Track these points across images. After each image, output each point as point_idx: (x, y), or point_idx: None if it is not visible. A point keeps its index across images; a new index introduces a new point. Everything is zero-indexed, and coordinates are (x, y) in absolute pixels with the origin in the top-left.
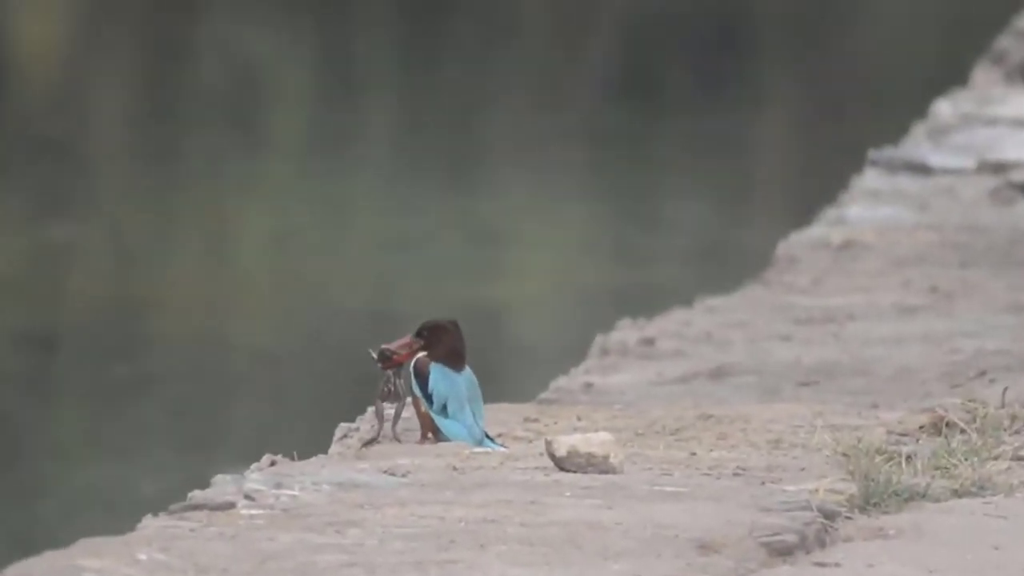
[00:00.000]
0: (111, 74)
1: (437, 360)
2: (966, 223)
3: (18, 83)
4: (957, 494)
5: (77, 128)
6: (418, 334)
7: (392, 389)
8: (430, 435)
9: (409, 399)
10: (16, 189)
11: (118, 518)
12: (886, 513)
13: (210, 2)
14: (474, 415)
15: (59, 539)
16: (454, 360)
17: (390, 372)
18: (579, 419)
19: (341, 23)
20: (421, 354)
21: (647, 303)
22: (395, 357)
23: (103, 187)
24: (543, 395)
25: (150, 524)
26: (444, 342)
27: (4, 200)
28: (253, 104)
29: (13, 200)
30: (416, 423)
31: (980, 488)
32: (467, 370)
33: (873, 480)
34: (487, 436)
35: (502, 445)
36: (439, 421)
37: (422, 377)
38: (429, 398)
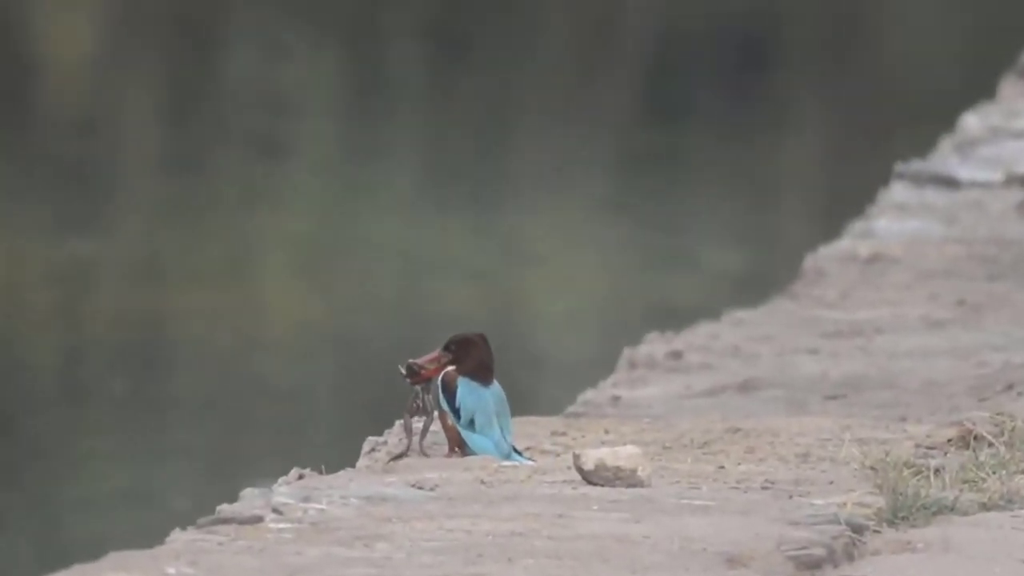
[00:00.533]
0: (137, 85)
1: (465, 374)
2: (993, 236)
3: (45, 90)
4: (985, 507)
5: (102, 138)
6: (446, 348)
7: (420, 404)
8: (457, 449)
9: (436, 413)
10: (42, 199)
11: (147, 532)
12: (914, 527)
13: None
14: (502, 429)
15: (88, 553)
16: (482, 374)
17: (418, 387)
18: (607, 432)
19: (368, 37)
20: (449, 368)
21: (675, 316)
22: (423, 372)
23: (128, 199)
24: (571, 408)
25: (178, 538)
26: (472, 356)
27: (31, 211)
28: (279, 119)
29: (40, 210)
30: (443, 437)
31: (1008, 501)
32: (495, 384)
33: (901, 494)
34: (515, 450)
35: (530, 459)
36: (467, 435)
37: (449, 392)
38: (457, 412)
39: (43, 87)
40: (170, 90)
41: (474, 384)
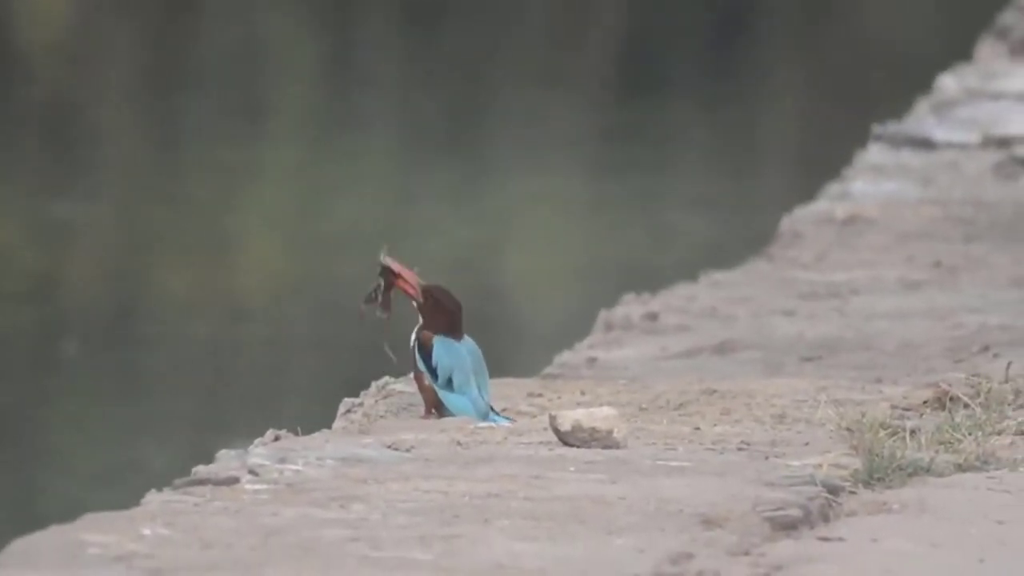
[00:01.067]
0: (117, 51)
1: (438, 331)
2: (970, 198)
3: (25, 54)
4: (961, 468)
5: (82, 105)
6: (425, 292)
7: (375, 295)
8: (433, 411)
9: (412, 374)
10: (22, 167)
11: (123, 493)
12: (890, 488)
13: None
14: (479, 388)
15: (64, 514)
16: (453, 331)
17: (381, 283)
18: (583, 394)
19: (343, 10)
20: (424, 329)
21: (651, 278)
22: (397, 281)
23: (109, 165)
24: (547, 370)
25: (154, 499)
26: (444, 312)
27: (15, 177)
28: (258, 86)
29: (24, 177)
30: (419, 399)
31: (984, 463)
32: (470, 341)
33: (877, 455)
34: (492, 410)
35: (508, 419)
36: (444, 395)
37: (426, 350)
38: (434, 372)
39: (22, 57)
40: (147, 58)
41: (449, 342)
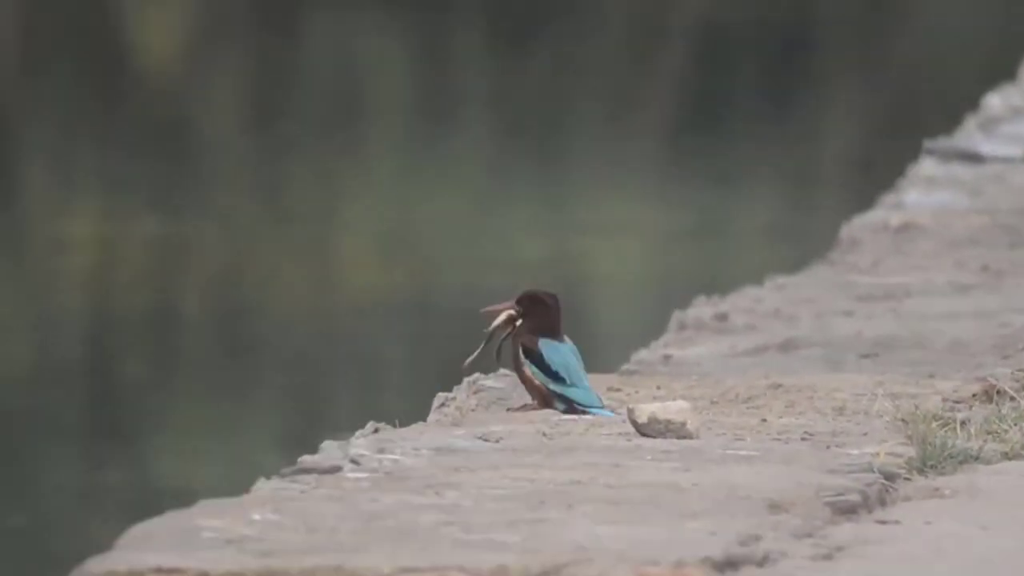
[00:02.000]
0: (224, 80)
1: (536, 333)
2: (1015, 207)
3: (136, 80)
4: (1007, 456)
5: (188, 130)
6: (518, 302)
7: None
8: (533, 402)
9: (520, 374)
10: (136, 182)
11: (235, 481)
12: (942, 475)
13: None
14: (585, 381)
15: (180, 501)
16: (553, 333)
17: (483, 345)
18: (658, 388)
19: (437, 25)
20: (523, 334)
21: (721, 281)
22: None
23: (213, 181)
24: (625, 367)
25: (264, 487)
26: (541, 314)
27: (126, 191)
28: (353, 103)
29: (134, 192)
30: (508, 392)
31: None
32: (569, 341)
33: (930, 444)
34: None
35: (612, 411)
36: (564, 391)
37: (534, 356)
38: (552, 374)
39: (134, 73)
40: (253, 74)
41: (552, 342)
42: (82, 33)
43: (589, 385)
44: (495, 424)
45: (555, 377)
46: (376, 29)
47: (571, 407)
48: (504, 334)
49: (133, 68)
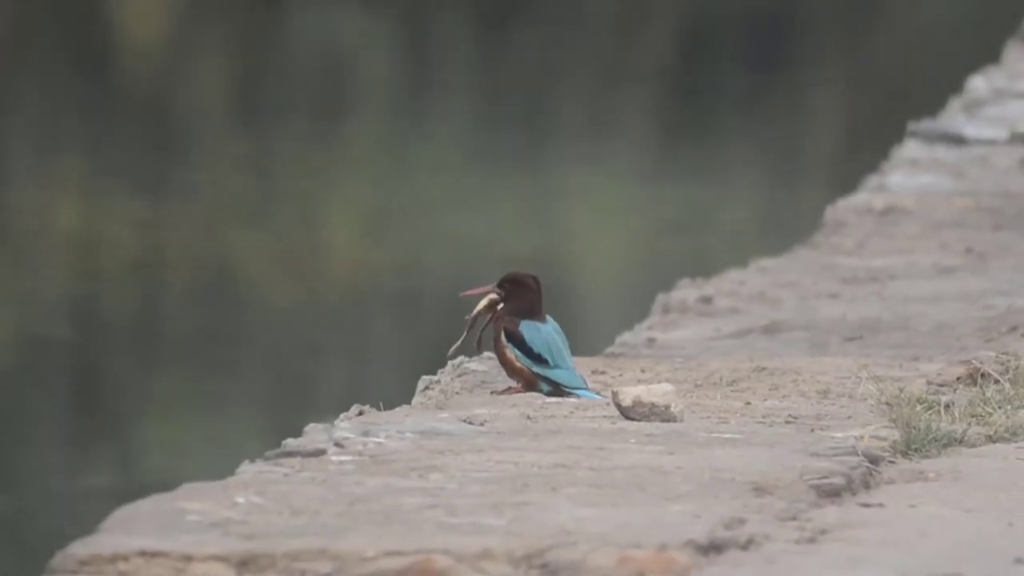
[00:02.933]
0: (207, 54)
1: (518, 316)
2: (999, 189)
3: (121, 66)
4: (991, 440)
5: (172, 115)
6: (499, 285)
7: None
8: (515, 385)
9: (501, 355)
10: (119, 167)
11: (219, 465)
12: (926, 458)
13: None
14: (569, 362)
15: (164, 484)
16: (534, 314)
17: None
18: (643, 371)
19: (422, 10)
20: (505, 317)
21: (705, 264)
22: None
23: (197, 167)
24: (609, 349)
25: (247, 470)
26: (523, 297)
27: (109, 176)
28: (337, 87)
29: (118, 177)
30: (491, 376)
31: (1013, 434)
32: (551, 320)
33: (914, 427)
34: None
35: (597, 393)
36: (548, 372)
37: (516, 339)
38: (535, 357)
39: (119, 58)
40: (237, 60)
41: (535, 324)
42: (66, 18)
43: (573, 366)
44: (479, 407)
45: (537, 359)
46: (361, 15)
47: (556, 389)
48: (487, 319)
49: (116, 53)
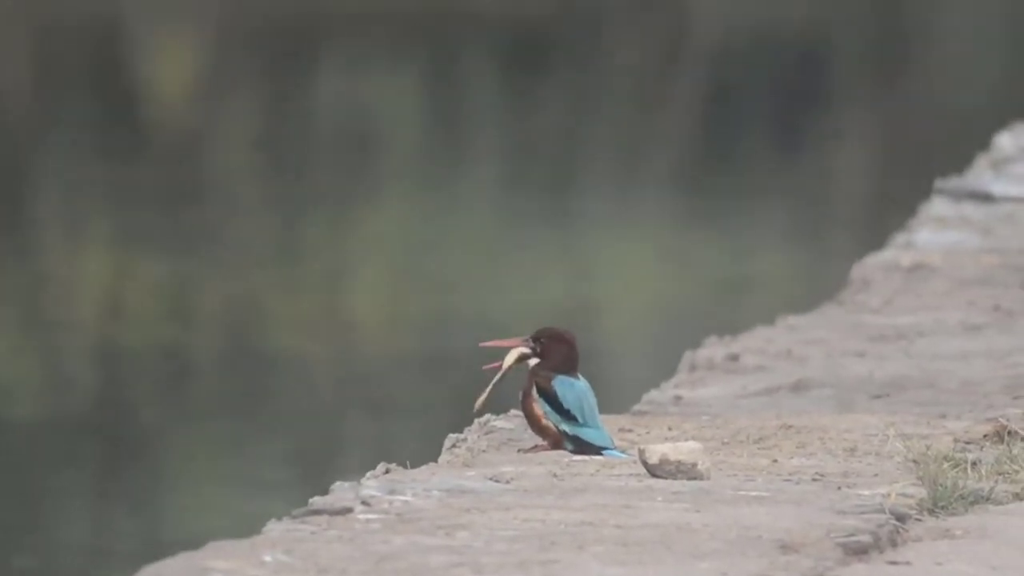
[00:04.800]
0: (236, 120)
1: (555, 368)
2: None
3: (147, 122)
4: (1019, 497)
5: (199, 171)
6: (535, 339)
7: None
8: (543, 443)
9: (530, 411)
10: (146, 225)
11: (245, 523)
12: (953, 515)
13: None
14: (599, 420)
15: (190, 542)
16: (570, 371)
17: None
18: (669, 429)
19: (448, 69)
20: (539, 371)
21: (732, 322)
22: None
23: (224, 224)
24: (636, 407)
25: (274, 528)
26: (561, 352)
27: (136, 234)
28: (367, 142)
29: (144, 235)
30: (517, 433)
31: None
32: (582, 379)
33: (941, 485)
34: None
35: (624, 452)
36: (578, 431)
37: (548, 394)
38: (565, 413)
39: (145, 111)
40: (263, 118)
41: (568, 380)
42: (94, 74)
43: (602, 424)
44: (506, 465)
45: (567, 416)
46: (387, 71)
47: (581, 447)
48: (511, 373)
49: (144, 109)
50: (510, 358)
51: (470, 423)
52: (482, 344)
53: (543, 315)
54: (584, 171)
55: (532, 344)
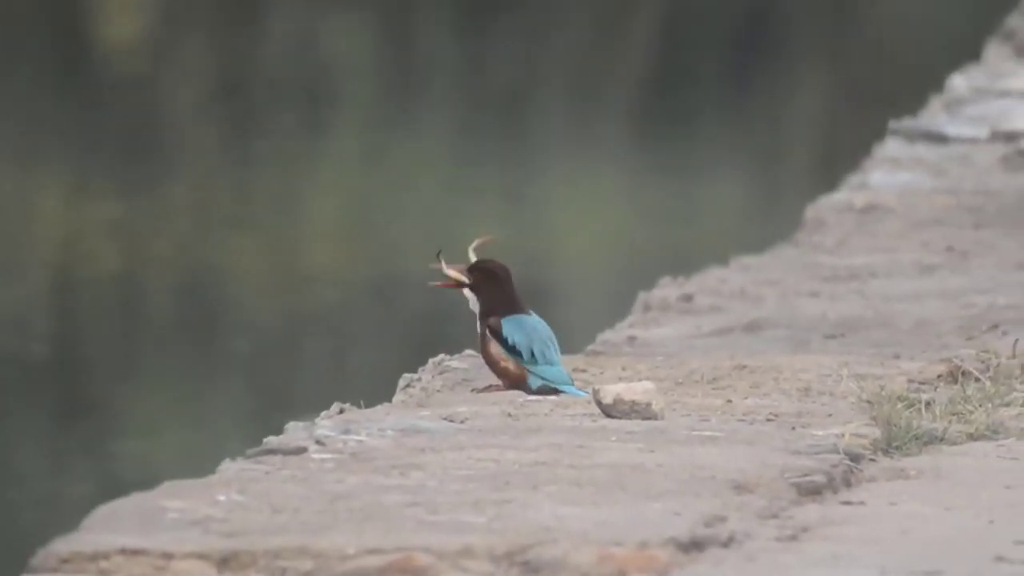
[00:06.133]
0: (187, 55)
1: (492, 307)
2: (980, 188)
3: (100, 61)
4: (972, 438)
5: (151, 118)
6: (469, 271)
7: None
8: (499, 383)
9: (468, 351)
10: (97, 167)
11: (200, 463)
12: (907, 456)
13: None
14: (554, 357)
15: (145, 482)
16: (512, 306)
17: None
18: (624, 369)
19: (403, 9)
20: (488, 318)
21: (686, 262)
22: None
23: (176, 166)
24: (590, 347)
25: (229, 468)
26: (494, 290)
27: (88, 175)
28: (319, 89)
29: (96, 176)
30: (472, 373)
31: (993, 432)
32: (533, 315)
33: (895, 425)
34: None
35: (582, 391)
36: (535, 369)
37: (498, 335)
38: (516, 351)
39: (96, 62)
40: (216, 62)
41: (517, 318)
42: (42, 23)
43: (558, 361)
44: (460, 405)
45: (521, 356)
46: (340, 17)
47: (542, 386)
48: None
49: (94, 57)
50: (451, 272)
51: (424, 363)
52: (430, 283)
53: (496, 257)
54: (538, 115)
55: (468, 275)
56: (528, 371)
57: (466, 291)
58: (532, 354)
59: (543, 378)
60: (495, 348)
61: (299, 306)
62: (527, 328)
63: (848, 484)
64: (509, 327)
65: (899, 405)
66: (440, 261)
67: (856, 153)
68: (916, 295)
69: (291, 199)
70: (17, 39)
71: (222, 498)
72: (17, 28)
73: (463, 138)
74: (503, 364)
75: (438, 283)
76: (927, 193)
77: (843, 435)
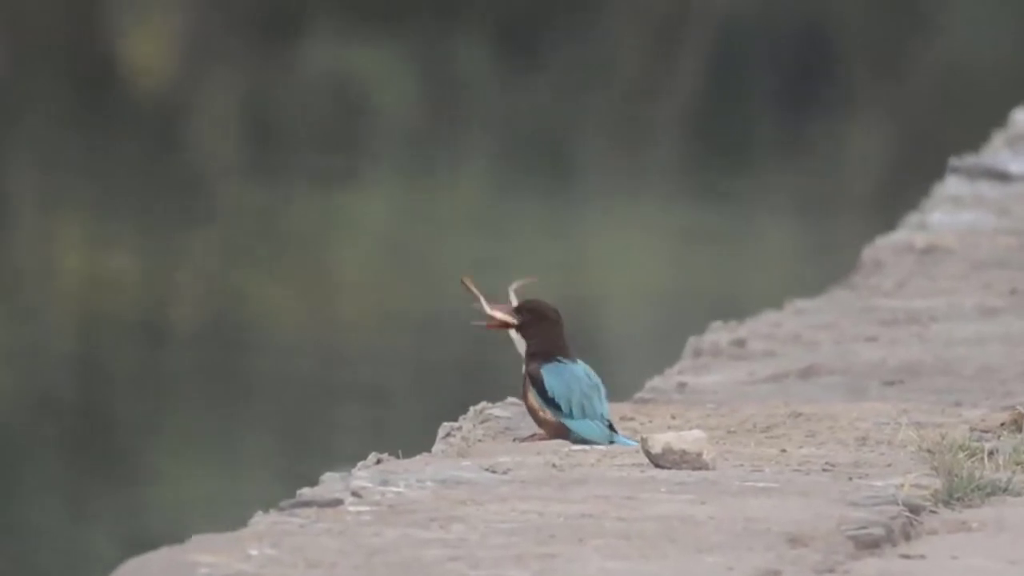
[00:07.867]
0: (217, 92)
1: (541, 352)
2: None
3: (127, 98)
4: None
5: (182, 152)
6: (518, 311)
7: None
8: (540, 432)
9: (511, 399)
10: (127, 206)
11: (232, 515)
12: (969, 507)
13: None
14: (597, 408)
15: (174, 536)
16: (560, 351)
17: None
18: (673, 417)
19: (442, 44)
20: (531, 363)
21: (738, 306)
22: (488, 324)
23: (208, 204)
24: (639, 395)
25: (261, 520)
26: (543, 330)
27: (117, 215)
28: (357, 117)
29: (125, 216)
30: (516, 423)
31: None
32: (580, 362)
33: (956, 475)
34: (613, 430)
35: (630, 439)
36: (570, 423)
37: (538, 383)
38: (554, 404)
39: (125, 94)
40: (248, 94)
41: (559, 366)
42: (72, 53)
43: (602, 412)
44: (502, 455)
45: (554, 406)
46: (378, 46)
47: (577, 439)
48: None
49: (122, 88)
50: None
51: (465, 411)
52: (475, 323)
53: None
54: (583, 152)
55: (516, 315)
56: (566, 426)
57: (513, 332)
58: (571, 406)
59: (580, 435)
60: (533, 398)
61: (337, 353)
62: (568, 377)
63: (907, 537)
64: (550, 376)
65: (961, 454)
66: (470, 287)
67: (915, 191)
68: (978, 339)
69: (326, 241)
70: (44, 75)
71: (254, 552)
72: (44, 64)
73: (504, 174)
74: (541, 414)
75: (485, 323)
76: (989, 233)
77: (902, 486)
